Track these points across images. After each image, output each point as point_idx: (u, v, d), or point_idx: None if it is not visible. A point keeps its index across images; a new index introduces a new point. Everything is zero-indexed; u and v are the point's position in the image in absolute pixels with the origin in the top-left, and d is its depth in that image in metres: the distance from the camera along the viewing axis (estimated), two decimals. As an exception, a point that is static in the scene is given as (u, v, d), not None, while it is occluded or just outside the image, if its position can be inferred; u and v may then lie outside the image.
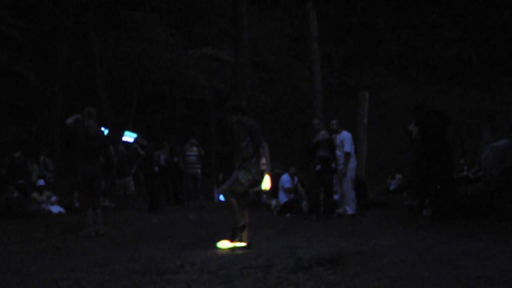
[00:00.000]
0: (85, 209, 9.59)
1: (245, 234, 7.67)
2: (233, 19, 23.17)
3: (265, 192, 15.04)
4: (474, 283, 4.84)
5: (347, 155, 12.28)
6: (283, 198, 13.95)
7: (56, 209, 14.76)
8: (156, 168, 15.28)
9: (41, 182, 15.49)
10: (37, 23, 23.13)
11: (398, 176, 18.66)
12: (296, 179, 14.38)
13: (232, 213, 7.70)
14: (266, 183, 7.75)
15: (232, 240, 7.56)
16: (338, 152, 12.42)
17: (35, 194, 15.06)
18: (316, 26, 20.32)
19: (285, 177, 14.14)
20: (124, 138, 14.55)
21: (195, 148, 17.56)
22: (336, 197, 12.77)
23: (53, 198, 15.23)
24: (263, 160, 7.68)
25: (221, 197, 7.71)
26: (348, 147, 12.34)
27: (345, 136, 12.46)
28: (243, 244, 7.51)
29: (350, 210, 12.12)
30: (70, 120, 9.92)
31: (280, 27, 29.05)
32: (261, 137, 7.72)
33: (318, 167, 12.14)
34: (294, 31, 28.13)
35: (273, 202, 14.59)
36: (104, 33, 26.31)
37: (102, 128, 10.44)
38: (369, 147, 16.73)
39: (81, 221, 10.36)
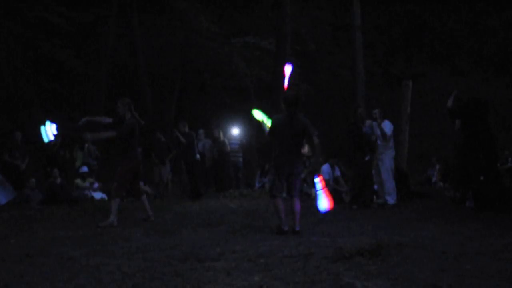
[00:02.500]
0: (116, 198, 9.64)
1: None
2: (276, 7, 23.11)
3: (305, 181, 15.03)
4: (518, 276, 4.76)
5: (387, 136, 12.15)
6: (323, 187, 13.84)
7: (98, 195, 15.00)
8: (197, 156, 15.36)
9: (84, 169, 15.74)
10: (82, 11, 23.40)
11: (437, 166, 18.41)
12: (337, 170, 14.28)
13: (276, 213, 8.13)
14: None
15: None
16: (379, 142, 12.30)
17: (78, 181, 15.31)
18: (359, 15, 20.14)
19: (325, 168, 14.02)
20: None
21: (237, 137, 17.61)
22: (375, 187, 12.67)
23: (96, 185, 15.47)
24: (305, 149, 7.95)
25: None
26: (389, 130, 12.20)
27: (386, 124, 12.34)
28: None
29: (391, 200, 12.00)
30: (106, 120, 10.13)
31: (323, 15, 28.80)
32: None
33: (368, 157, 12.10)
34: (337, 19, 27.86)
35: (314, 191, 14.50)
36: (147, 21, 26.49)
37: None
38: (412, 137, 16.51)
39: (124, 208, 10.49)
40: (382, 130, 12.24)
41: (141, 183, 14.98)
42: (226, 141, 17.71)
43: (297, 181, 8.25)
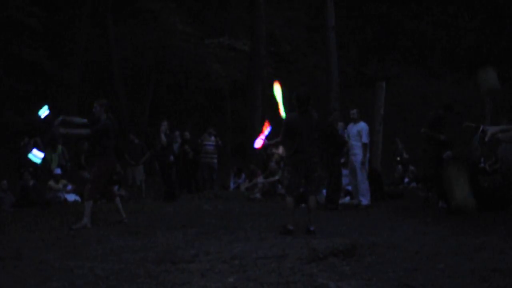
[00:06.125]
0: (90, 200, 9.55)
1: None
2: (250, 9, 23.13)
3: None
4: (489, 276, 4.82)
5: (365, 145, 12.19)
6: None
7: (71, 197, 14.85)
8: (171, 157, 15.26)
9: (58, 170, 15.57)
10: (55, 11, 23.16)
11: (411, 168, 18.49)
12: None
13: (286, 211, 8.29)
14: None
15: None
16: (354, 142, 12.32)
17: (51, 182, 15.14)
18: (333, 16, 20.28)
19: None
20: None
21: (212, 138, 17.50)
22: (349, 188, 12.70)
23: (69, 187, 15.31)
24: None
25: None
26: (366, 138, 12.26)
27: (363, 126, 12.36)
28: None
29: (364, 201, 12.04)
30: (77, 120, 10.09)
31: (297, 16, 28.88)
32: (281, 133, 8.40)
33: (343, 159, 12.19)
34: (311, 20, 27.97)
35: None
36: (121, 22, 26.31)
37: None
38: (385, 138, 16.58)
39: (97, 210, 10.41)
40: (359, 132, 12.28)
41: (116, 187, 14.95)
42: (199, 141, 17.62)
43: (315, 177, 8.30)
